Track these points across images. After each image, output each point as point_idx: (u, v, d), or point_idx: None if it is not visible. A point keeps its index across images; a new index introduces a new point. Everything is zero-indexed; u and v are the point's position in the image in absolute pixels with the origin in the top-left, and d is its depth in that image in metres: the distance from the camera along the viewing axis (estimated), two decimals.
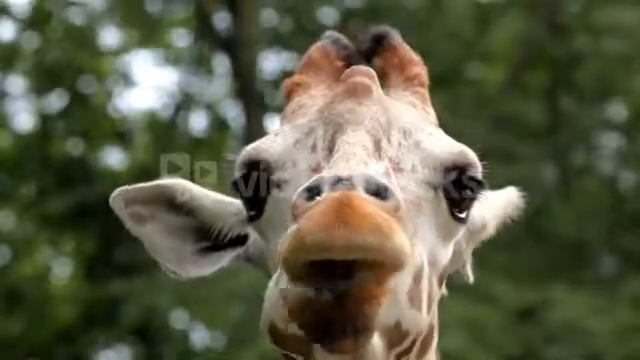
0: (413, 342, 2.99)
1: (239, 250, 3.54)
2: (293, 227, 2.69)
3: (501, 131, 17.82)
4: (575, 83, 19.21)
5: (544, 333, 15.55)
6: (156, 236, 3.57)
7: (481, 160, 3.20)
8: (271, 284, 2.95)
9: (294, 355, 2.94)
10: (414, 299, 2.92)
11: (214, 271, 3.56)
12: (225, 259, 3.55)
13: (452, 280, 3.54)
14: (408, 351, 2.99)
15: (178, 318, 20.18)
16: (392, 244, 2.65)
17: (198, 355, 20.40)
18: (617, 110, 20.75)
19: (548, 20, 19.06)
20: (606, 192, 18.86)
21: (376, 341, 2.82)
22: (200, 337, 20.72)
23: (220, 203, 3.55)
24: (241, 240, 3.53)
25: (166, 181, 3.58)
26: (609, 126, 20.25)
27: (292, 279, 2.74)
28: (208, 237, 3.56)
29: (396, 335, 2.89)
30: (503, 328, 15.33)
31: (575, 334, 15.41)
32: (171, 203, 3.56)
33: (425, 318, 2.99)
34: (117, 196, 3.59)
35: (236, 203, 3.50)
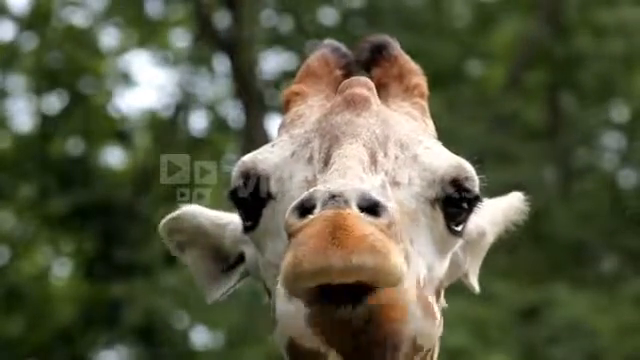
0: (428, 352, 3.03)
1: (242, 267, 3.55)
2: (289, 255, 2.68)
3: (501, 131, 17.82)
4: (577, 83, 19.21)
5: (547, 333, 15.55)
6: (194, 262, 3.62)
7: (479, 165, 3.18)
8: (282, 299, 2.94)
9: None
10: (425, 309, 2.96)
11: (225, 293, 3.60)
12: (232, 280, 3.58)
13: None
14: None
15: (179, 319, 20.18)
16: (389, 264, 2.65)
17: (199, 355, 20.40)
18: (619, 110, 20.75)
19: (549, 20, 19.06)
20: (607, 192, 18.86)
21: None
22: (201, 338, 20.73)
23: (218, 226, 3.57)
24: (243, 259, 3.55)
25: (180, 210, 3.60)
26: (611, 126, 20.25)
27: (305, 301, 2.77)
28: (222, 259, 3.60)
29: (413, 348, 2.94)
30: (505, 327, 15.34)
31: (577, 333, 15.42)
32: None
33: (437, 328, 3.02)
34: (163, 227, 3.63)
35: (231, 224, 3.53)
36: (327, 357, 2.85)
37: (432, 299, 3.02)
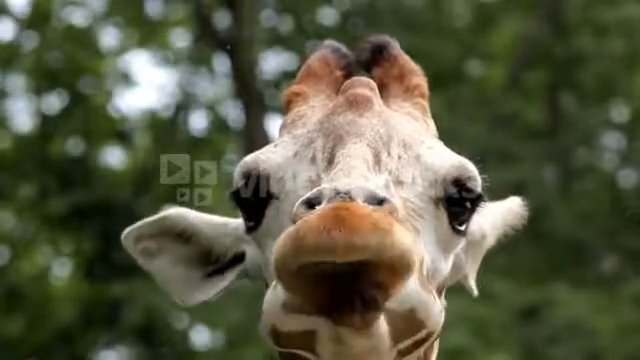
0: (427, 336, 2.95)
1: (239, 268, 3.53)
2: (289, 229, 2.68)
3: (501, 131, 17.83)
4: (577, 83, 19.21)
5: (547, 332, 15.55)
6: (165, 269, 3.61)
7: (481, 163, 3.19)
8: (270, 290, 2.93)
9: (300, 352, 2.91)
10: (425, 286, 2.91)
11: (218, 293, 3.59)
12: (227, 280, 3.56)
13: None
14: (413, 348, 2.95)
15: (179, 318, 20.19)
16: (392, 241, 2.64)
17: (199, 355, 20.40)
18: (619, 110, 20.76)
19: (549, 19, 19.07)
20: (607, 192, 18.86)
21: (383, 327, 2.79)
22: (201, 337, 20.73)
23: (216, 226, 3.57)
24: (240, 258, 3.53)
25: (164, 213, 3.59)
26: (611, 126, 20.25)
27: (286, 287, 2.75)
28: (211, 261, 3.57)
29: (409, 323, 2.86)
30: (506, 326, 15.34)
31: (577, 333, 15.42)
32: (175, 233, 3.59)
33: (439, 310, 2.96)
34: (128, 234, 3.62)
35: (232, 223, 3.53)
36: (315, 334, 2.81)
37: (433, 289, 2.99)
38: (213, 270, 3.57)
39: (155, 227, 3.59)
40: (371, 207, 2.69)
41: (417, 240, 2.94)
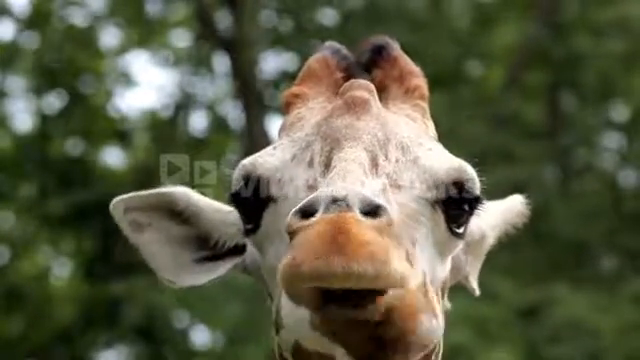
0: (430, 354, 3.04)
1: (237, 260, 3.51)
2: (288, 256, 2.68)
3: (501, 131, 17.83)
4: (577, 83, 19.22)
5: (547, 332, 15.57)
6: (154, 244, 3.55)
7: (481, 163, 3.18)
8: (289, 302, 2.90)
9: None
10: (429, 309, 2.96)
11: (212, 281, 3.55)
12: (223, 269, 3.52)
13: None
14: None
15: (179, 317, 20.19)
16: (388, 270, 2.65)
17: (199, 354, 20.41)
18: (619, 110, 20.76)
19: (547, 19, 19.07)
20: (607, 192, 18.87)
21: None
22: (201, 337, 20.74)
23: (220, 213, 3.53)
24: (240, 250, 3.50)
25: (167, 189, 3.55)
26: (611, 126, 20.26)
27: (297, 303, 2.78)
28: (207, 246, 3.54)
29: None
30: (507, 325, 15.36)
31: (578, 332, 15.43)
32: (171, 211, 3.54)
33: (440, 327, 3.02)
34: (117, 203, 3.57)
35: (235, 212, 3.47)
36: (334, 358, 2.87)
37: (435, 299, 3.02)
38: (207, 256, 3.54)
39: (150, 201, 3.54)
40: (368, 221, 2.68)
41: (414, 256, 2.95)
